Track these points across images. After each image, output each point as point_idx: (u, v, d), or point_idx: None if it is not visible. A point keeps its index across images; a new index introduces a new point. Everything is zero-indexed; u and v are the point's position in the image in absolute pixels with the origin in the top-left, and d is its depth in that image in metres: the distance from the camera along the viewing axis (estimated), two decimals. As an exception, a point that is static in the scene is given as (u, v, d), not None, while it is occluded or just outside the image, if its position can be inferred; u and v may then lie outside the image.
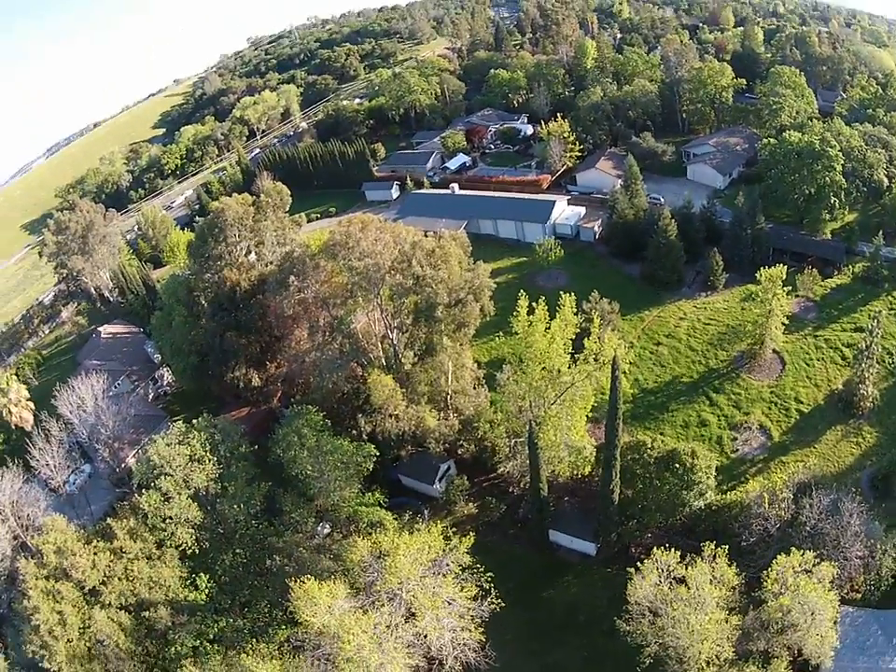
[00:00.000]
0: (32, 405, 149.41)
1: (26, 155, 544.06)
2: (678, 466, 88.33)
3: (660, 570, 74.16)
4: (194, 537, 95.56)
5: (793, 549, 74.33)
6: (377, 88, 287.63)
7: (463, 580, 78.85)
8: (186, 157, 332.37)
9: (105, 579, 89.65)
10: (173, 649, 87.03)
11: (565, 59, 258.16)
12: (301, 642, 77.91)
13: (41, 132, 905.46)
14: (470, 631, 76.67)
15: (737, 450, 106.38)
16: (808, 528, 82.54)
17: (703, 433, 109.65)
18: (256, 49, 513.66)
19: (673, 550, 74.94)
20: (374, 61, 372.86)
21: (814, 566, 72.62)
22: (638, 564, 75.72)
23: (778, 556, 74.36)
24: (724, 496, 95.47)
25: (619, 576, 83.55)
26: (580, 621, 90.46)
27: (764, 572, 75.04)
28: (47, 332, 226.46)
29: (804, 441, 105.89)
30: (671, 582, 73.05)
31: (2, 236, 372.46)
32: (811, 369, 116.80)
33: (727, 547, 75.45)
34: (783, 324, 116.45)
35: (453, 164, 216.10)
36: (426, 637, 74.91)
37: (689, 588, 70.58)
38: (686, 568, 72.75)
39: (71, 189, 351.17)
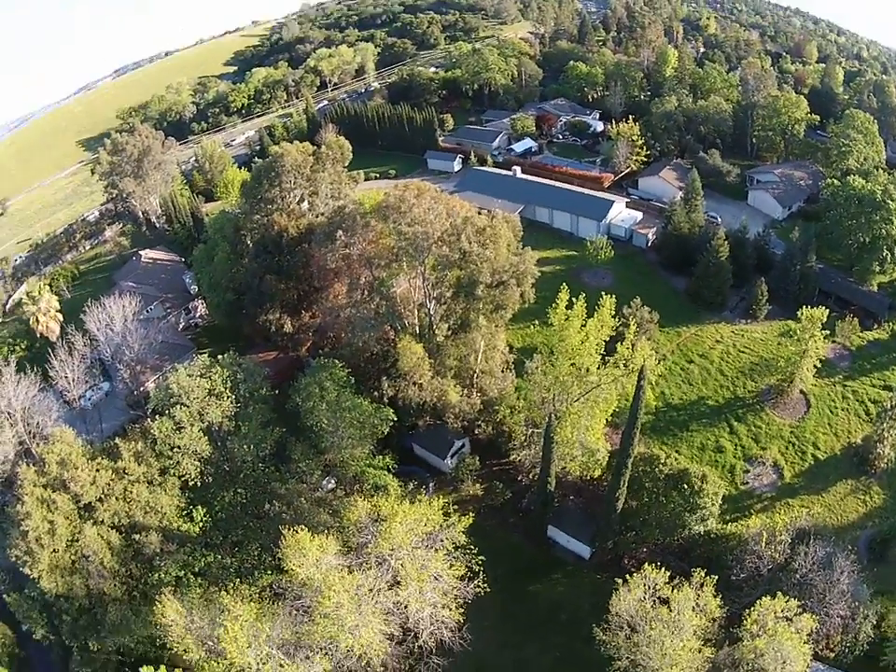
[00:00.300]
0: (60, 317, 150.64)
1: (92, 73, 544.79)
2: (686, 487, 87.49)
3: (646, 587, 73.69)
4: (199, 469, 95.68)
5: (779, 594, 73.39)
6: (454, 60, 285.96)
7: (454, 558, 78.31)
8: (253, 98, 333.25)
9: (102, 496, 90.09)
10: (157, 575, 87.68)
11: (645, 63, 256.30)
12: (283, 590, 77.92)
13: (111, 53, 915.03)
14: (451, 610, 76.49)
15: (748, 482, 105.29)
16: (798, 576, 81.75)
17: (717, 459, 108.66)
18: (339, 4, 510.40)
19: (663, 569, 74.42)
20: (456, 33, 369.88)
21: (796, 615, 71.70)
22: (627, 576, 75.32)
23: (764, 598, 73.34)
24: (725, 526, 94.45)
25: (607, 583, 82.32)
26: (560, 620, 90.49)
27: (747, 610, 74.12)
28: (87, 248, 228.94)
29: (813, 488, 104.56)
30: (654, 601, 72.55)
31: (57, 149, 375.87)
32: (834, 417, 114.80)
33: (717, 577, 74.88)
34: (815, 366, 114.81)
35: (518, 147, 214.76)
36: (406, 607, 74.91)
37: (671, 610, 70.13)
38: (672, 590, 72.27)
39: (133, 113, 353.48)
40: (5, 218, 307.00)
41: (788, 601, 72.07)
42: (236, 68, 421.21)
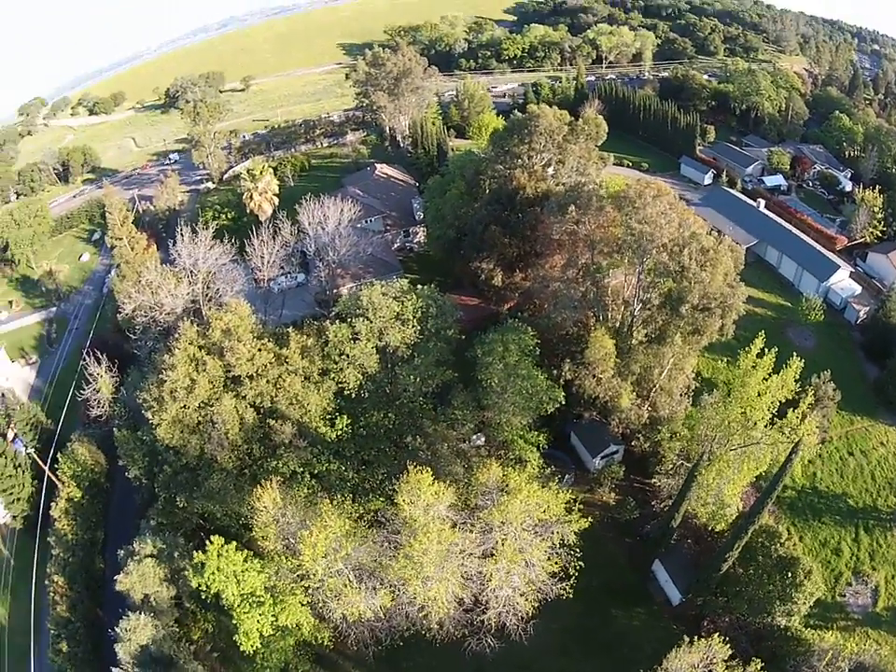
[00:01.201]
0: (276, 201, 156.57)
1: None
2: (790, 575, 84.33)
3: (705, 656, 72.71)
4: (359, 382, 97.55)
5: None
6: (728, 73, 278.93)
7: (556, 553, 78.48)
8: (527, 52, 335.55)
9: (254, 374, 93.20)
10: (275, 463, 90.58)
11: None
12: (386, 520, 79.96)
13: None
14: (527, 601, 76.90)
15: (845, 595, 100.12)
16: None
17: (831, 560, 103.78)
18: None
19: (729, 646, 73.61)
20: (736, 47, 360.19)
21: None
22: (696, 638, 74.53)
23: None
24: (805, 629, 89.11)
25: (677, 636, 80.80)
26: (621, 651, 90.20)
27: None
28: (324, 146, 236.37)
29: (892, 629, 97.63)
30: (705, 672, 71.24)
31: (316, 45, 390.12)
32: None
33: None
34: None
35: (769, 181, 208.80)
36: (487, 580, 75.44)
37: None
38: (725, 669, 71.51)
39: (402, 33, 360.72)
40: (245, 95, 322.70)
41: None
42: (515, 18, 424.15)
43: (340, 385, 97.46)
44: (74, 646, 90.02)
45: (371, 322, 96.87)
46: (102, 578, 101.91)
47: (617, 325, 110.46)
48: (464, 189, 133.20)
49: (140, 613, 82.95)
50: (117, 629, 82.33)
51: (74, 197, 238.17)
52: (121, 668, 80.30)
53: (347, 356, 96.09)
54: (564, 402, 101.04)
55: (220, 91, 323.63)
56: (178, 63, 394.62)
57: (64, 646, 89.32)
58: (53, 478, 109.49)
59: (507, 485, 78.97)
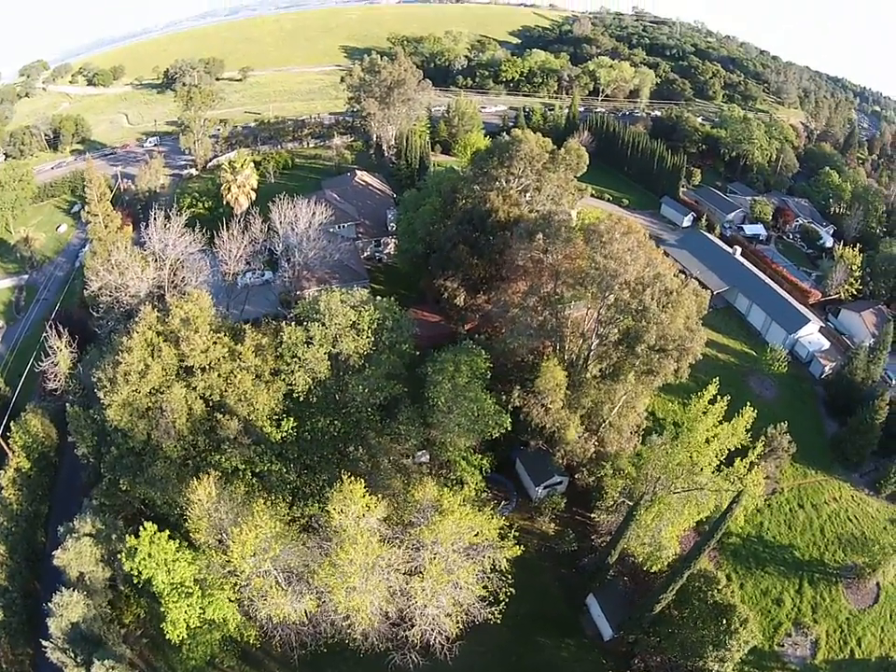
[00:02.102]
0: (253, 195, 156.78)
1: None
2: (724, 622, 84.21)
3: None
4: (308, 387, 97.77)
5: None
6: (722, 119, 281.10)
7: (486, 578, 78.64)
8: (525, 76, 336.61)
9: (207, 367, 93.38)
10: (218, 457, 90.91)
11: (892, 198, 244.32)
12: (319, 526, 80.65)
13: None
14: (453, 622, 76.82)
15: (783, 646, 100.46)
16: None
17: (771, 610, 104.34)
18: (637, 20, 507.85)
19: None
20: (734, 94, 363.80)
21: None
22: None
23: None
24: None
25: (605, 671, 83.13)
26: None
27: None
28: (311, 146, 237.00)
29: None
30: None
31: (320, 44, 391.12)
32: (890, 624, 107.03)
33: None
34: None
35: (749, 230, 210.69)
36: (413, 597, 75.34)
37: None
38: None
39: (405, 43, 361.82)
40: (241, 85, 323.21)
41: None
42: (519, 41, 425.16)
43: (290, 387, 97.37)
44: (9, 615, 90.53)
45: (326, 328, 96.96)
46: (42, 551, 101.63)
47: (573, 357, 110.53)
48: (438, 206, 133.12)
49: (74, 590, 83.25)
50: (50, 604, 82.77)
51: (54, 168, 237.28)
52: (52, 643, 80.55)
53: (299, 358, 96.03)
54: (511, 428, 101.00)
55: (217, 79, 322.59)
56: (182, 45, 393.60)
57: (0, 614, 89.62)
58: (4, 446, 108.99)
59: (441, 505, 79.00)
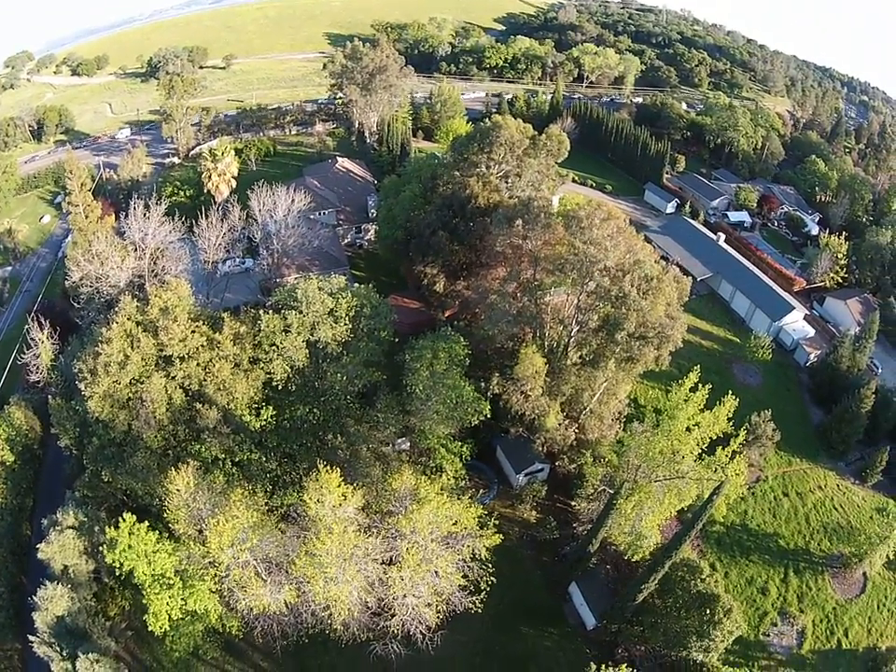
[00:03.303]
0: (234, 183, 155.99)
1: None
2: (707, 612, 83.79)
3: None
4: (287, 375, 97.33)
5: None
6: (707, 106, 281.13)
7: (466, 567, 78.18)
8: (509, 63, 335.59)
9: (185, 356, 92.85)
10: (198, 447, 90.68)
11: (879, 187, 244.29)
12: (297, 516, 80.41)
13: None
14: (433, 611, 76.39)
15: (768, 636, 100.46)
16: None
17: (756, 599, 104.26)
18: (623, 8, 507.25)
19: None
20: (721, 82, 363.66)
21: None
22: (604, 665, 75.43)
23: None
24: (722, 666, 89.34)
25: (587, 660, 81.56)
26: (529, 670, 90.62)
27: None
28: (292, 133, 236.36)
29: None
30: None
31: (305, 31, 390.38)
32: (878, 614, 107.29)
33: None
34: (890, 557, 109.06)
35: (733, 217, 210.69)
36: (390, 587, 74.86)
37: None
38: None
39: (389, 29, 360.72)
40: (225, 73, 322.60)
41: None
42: (504, 28, 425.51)
43: (268, 376, 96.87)
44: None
45: (304, 316, 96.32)
46: (28, 545, 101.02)
47: (553, 344, 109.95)
48: (418, 192, 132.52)
49: (58, 584, 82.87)
50: (35, 598, 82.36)
51: (33, 158, 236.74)
52: (38, 637, 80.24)
53: (277, 347, 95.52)
54: (491, 416, 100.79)
55: (201, 67, 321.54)
56: (166, 34, 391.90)
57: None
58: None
59: (418, 493, 78.46)
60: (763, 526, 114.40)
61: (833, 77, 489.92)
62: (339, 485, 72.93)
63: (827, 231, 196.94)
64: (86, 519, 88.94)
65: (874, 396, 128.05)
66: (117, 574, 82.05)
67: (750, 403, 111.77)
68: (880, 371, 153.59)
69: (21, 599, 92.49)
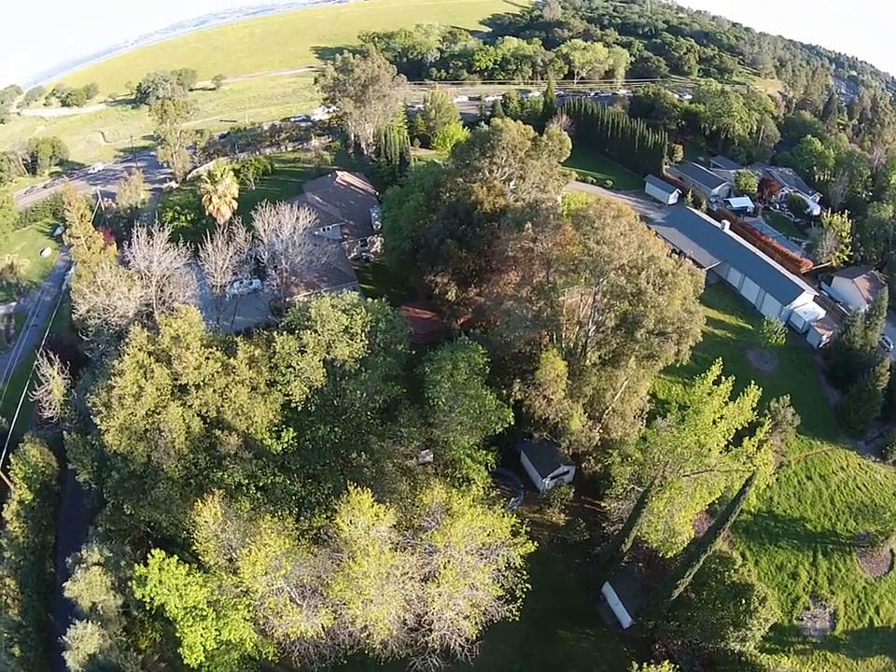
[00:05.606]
0: (235, 205, 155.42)
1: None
2: (743, 602, 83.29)
3: None
4: (305, 396, 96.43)
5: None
6: (700, 94, 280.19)
7: (502, 576, 77.23)
8: (499, 64, 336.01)
9: (201, 383, 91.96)
10: (220, 474, 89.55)
11: (876, 162, 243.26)
12: (328, 538, 79.00)
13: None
14: (472, 623, 75.56)
15: (802, 620, 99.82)
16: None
17: (788, 584, 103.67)
18: (607, 1, 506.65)
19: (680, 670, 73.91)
20: (710, 68, 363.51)
21: None
22: (645, 664, 75.02)
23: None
24: (760, 655, 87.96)
25: (626, 660, 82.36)
26: None
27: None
28: (289, 149, 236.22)
29: (853, 651, 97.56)
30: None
31: (290, 47, 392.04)
32: None
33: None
34: None
35: (735, 203, 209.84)
36: (430, 603, 74.10)
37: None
38: None
39: (376, 39, 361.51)
40: (216, 94, 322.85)
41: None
42: (490, 30, 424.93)
43: (287, 398, 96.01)
44: (26, 650, 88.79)
45: (319, 335, 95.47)
46: (52, 582, 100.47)
47: (571, 346, 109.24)
48: (422, 201, 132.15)
49: (87, 622, 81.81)
50: (65, 637, 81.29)
51: (29, 191, 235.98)
52: None
53: (294, 368, 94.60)
54: (514, 422, 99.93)
55: (191, 90, 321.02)
56: (153, 58, 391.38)
57: (17, 650, 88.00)
58: (5, 479, 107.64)
59: (450, 507, 77.72)
60: (790, 512, 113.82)
61: (821, 54, 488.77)
62: (371, 506, 71.90)
63: (829, 211, 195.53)
64: (111, 554, 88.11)
65: (888, 373, 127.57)
66: (146, 608, 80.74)
67: (768, 389, 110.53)
68: (892, 347, 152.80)
69: (49, 638, 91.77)
